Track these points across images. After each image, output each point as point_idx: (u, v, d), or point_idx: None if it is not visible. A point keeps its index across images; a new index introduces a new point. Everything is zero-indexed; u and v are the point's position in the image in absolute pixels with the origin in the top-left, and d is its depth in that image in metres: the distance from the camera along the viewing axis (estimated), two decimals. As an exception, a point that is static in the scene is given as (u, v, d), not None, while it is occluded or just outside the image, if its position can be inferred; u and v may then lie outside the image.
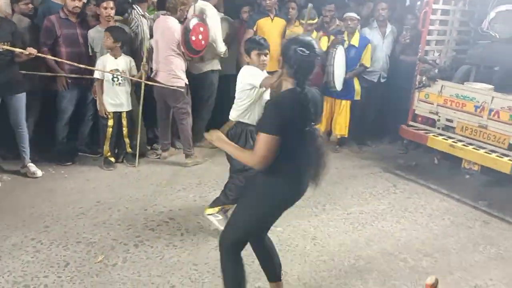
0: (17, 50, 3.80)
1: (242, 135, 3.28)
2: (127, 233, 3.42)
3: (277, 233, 3.54)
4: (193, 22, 4.41)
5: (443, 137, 4.53)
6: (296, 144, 2.24)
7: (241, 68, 3.47)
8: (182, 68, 4.58)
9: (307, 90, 2.23)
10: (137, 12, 4.75)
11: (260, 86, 3.17)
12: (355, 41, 5.04)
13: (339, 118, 5.27)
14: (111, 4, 4.39)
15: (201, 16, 4.59)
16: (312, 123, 2.28)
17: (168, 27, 4.42)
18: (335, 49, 4.84)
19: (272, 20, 5.15)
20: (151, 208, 3.82)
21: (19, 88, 4.03)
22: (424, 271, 3.18)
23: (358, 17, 4.99)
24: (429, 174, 4.95)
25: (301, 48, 2.15)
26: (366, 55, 5.11)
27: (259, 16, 5.15)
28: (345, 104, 5.22)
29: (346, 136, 5.38)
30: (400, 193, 4.48)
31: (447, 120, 4.57)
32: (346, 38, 5.02)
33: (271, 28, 5.11)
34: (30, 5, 4.36)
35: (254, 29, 5.08)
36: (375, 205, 4.15)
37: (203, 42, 4.54)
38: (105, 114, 4.43)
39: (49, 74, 4.32)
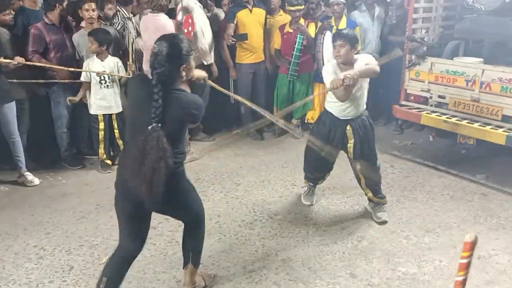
0: (5, 61, 3.77)
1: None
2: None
3: (278, 221, 3.57)
4: (182, 14, 4.41)
5: (436, 114, 4.54)
6: (130, 139, 2.23)
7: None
8: None
9: (159, 84, 2.12)
10: (122, 14, 4.72)
11: (330, 89, 3.17)
12: (342, 25, 5.02)
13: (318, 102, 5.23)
14: (93, 5, 4.36)
15: (187, 8, 4.58)
16: (156, 123, 2.08)
17: (161, 25, 4.33)
18: (323, 35, 4.83)
19: (251, 11, 5.09)
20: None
21: (7, 97, 4.00)
22: (427, 246, 3.21)
23: (344, 1, 4.99)
24: (425, 152, 4.97)
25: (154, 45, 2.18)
26: None
27: (238, 9, 5.07)
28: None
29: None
30: (398, 172, 4.50)
31: (439, 96, 4.58)
32: (333, 23, 5.01)
33: (251, 20, 5.07)
34: (11, 16, 4.30)
35: (235, 22, 5.03)
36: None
37: (192, 34, 4.54)
38: (85, 101, 4.41)
39: (41, 81, 4.28)
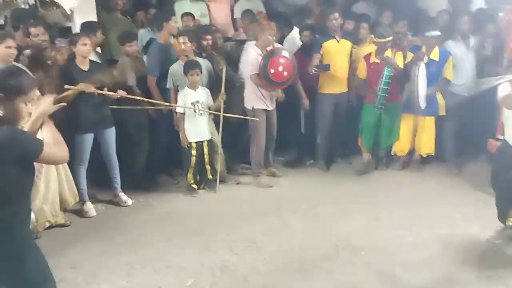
0: (109, 93, 4.13)
1: None
2: (211, 257, 3.52)
3: (361, 257, 3.47)
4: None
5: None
6: None
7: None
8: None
9: None
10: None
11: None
12: (435, 55, 4.87)
13: (423, 135, 5.05)
14: (186, 39, 4.64)
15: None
16: None
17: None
18: (417, 67, 4.71)
19: (338, 41, 5.13)
20: (234, 233, 3.91)
21: (109, 123, 4.37)
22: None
23: (439, 33, 4.84)
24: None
25: None
26: (448, 68, 4.90)
27: (324, 39, 5.13)
28: (429, 121, 5.02)
29: (433, 154, 5.13)
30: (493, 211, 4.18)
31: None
32: (424, 52, 4.87)
33: (337, 50, 5.09)
34: (135, 47, 4.73)
35: (321, 52, 5.07)
36: (467, 227, 3.90)
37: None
38: (187, 145, 4.65)
39: (135, 107, 4.62)
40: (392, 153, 5.34)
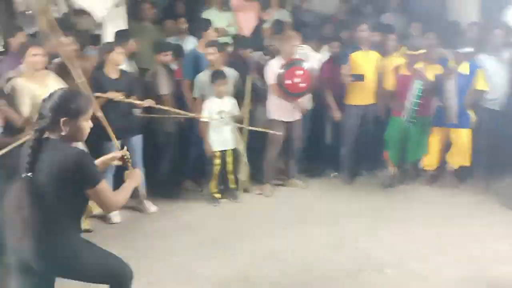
0: (137, 102, 4.20)
1: None
2: (232, 269, 3.49)
3: (386, 275, 3.38)
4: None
5: None
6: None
7: None
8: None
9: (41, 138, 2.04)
10: None
11: None
12: (464, 68, 4.77)
13: (459, 147, 4.92)
14: (214, 49, 4.67)
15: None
16: (26, 172, 2.00)
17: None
18: (451, 81, 4.62)
19: (366, 53, 5.08)
20: (255, 244, 3.88)
21: (137, 130, 4.42)
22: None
23: (472, 50, 4.76)
24: None
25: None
26: (479, 80, 4.78)
27: (352, 50, 5.10)
28: (464, 133, 4.88)
29: (468, 165, 4.97)
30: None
31: None
32: (454, 66, 4.77)
33: (364, 62, 5.05)
34: (170, 57, 4.83)
35: (349, 63, 5.03)
36: (495, 247, 3.75)
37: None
38: (211, 154, 4.66)
39: (162, 115, 4.67)
40: (420, 167, 5.22)
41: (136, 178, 2.42)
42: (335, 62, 5.14)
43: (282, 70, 4.63)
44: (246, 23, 6.04)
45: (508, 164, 5.14)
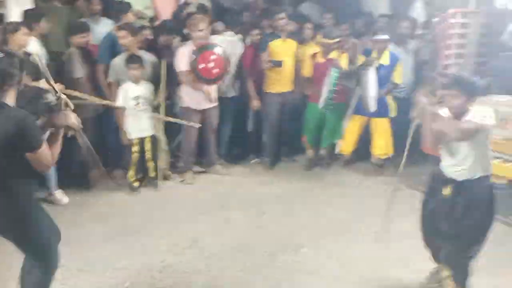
0: (44, 87, 3.90)
1: None
2: (151, 258, 3.44)
3: (302, 254, 3.52)
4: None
5: (468, 151, 4.43)
6: None
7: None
8: None
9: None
10: None
11: None
12: (385, 59, 5.02)
13: (378, 137, 5.13)
14: (127, 33, 4.49)
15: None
16: None
17: None
18: (366, 71, 4.84)
19: (284, 41, 5.16)
20: (175, 232, 3.84)
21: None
22: None
23: (388, 37, 5.00)
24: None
25: None
26: (397, 72, 5.03)
27: (271, 38, 5.15)
28: (383, 122, 5.13)
29: (391, 154, 5.17)
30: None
31: (471, 134, 4.48)
32: (376, 57, 5.01)
33: (283, 50, 5.13)
34: (86, 39, 4.62)
35: (268, 51, 5.09)
36: (400, 223, 4.05)
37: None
38: (128, 142, 4.51)
39: (76, 101, 4.41)
40: (336, 152, 5.46)
41: (63, 120, 2.32)
42: (255, 50, 5.19)
43: (193, 56, 4.53)
44: (164, 5, 5.87)
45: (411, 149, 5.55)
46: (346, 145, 5.30)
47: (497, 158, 4.20)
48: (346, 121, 5.25)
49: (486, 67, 4.87)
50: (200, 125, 4.68)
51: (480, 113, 2.65)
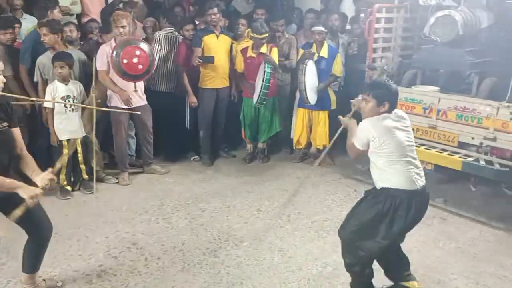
0: None
1: None
2: (88, 263, 3.31)
3: (243, 248, 3.54)
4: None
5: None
6: None
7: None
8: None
9: None
10: None
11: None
12: (324, 52, 5.13)
13: (318, 129, 5.27)
14: (47, 30, 4.28)
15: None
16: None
17: None
18: (305, 64, 4.92)
19: (217, 37, 5.14)
20: (113, 235, 3.72)
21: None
22: (389, 272, 3.25)
23: (325, 30, 5.10)
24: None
25: None
26: (336, 65, 5.15)
27: (204, 33, 5.10)
28: (323, 115, 5.25)
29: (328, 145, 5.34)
30: (360, 196, 4.57)
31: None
32: (315, 50, 5.11)
33: (217, 45, 5.11)
34: (12, 36, 4.44)
35: (202, 46, 5.05)
36: (338, 211, 4.22)
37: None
38: (57, 143, 4.30)
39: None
40: (294, 147, 5.56)
41: (28, 193, 2.53)
42: (189, 45, 5.12)
43: (117, 49, 4.34)
44: (92, 1, 5.63)
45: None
46: (298, 139, 5.41)
47: (422, 145, 4.47)
48: (294, 115, 5.40)
49: (410, 59, 5.12)
50: (139, 112, 4.48)
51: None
